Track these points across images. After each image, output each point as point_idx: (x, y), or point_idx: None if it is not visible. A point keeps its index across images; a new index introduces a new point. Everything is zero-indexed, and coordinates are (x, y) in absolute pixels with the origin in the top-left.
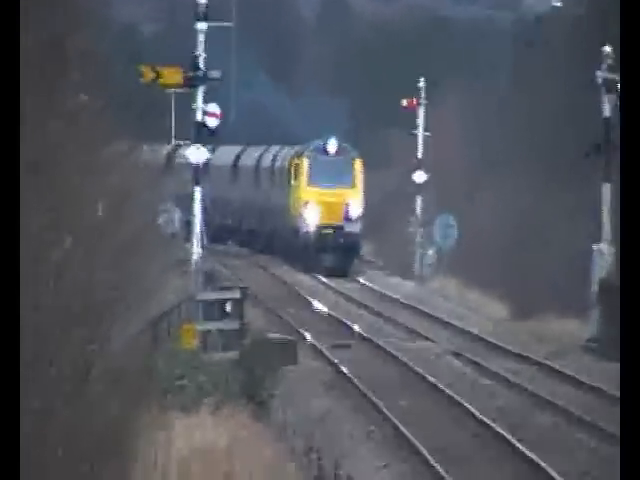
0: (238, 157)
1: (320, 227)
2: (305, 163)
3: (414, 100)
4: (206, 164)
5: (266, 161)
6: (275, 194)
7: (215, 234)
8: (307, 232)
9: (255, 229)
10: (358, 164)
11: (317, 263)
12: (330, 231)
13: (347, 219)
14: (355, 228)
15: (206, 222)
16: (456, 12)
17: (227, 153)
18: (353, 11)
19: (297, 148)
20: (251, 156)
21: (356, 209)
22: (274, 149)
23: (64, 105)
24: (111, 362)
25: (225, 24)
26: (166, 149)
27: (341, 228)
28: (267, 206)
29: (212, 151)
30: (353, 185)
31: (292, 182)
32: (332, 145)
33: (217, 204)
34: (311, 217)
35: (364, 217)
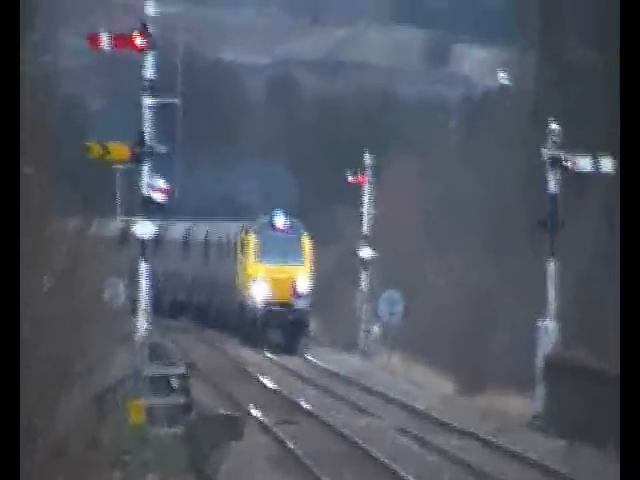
0: (188, 232)
1: (268, 304)
2: (253, 239)
3: (360, 176)
4: (156, 239)
5: (215, 236)
6: (223, 270)
7: (166, 309)
8: (255, 308)
9: (205, 304)
10: (306, 240)
11: (265, 340)
12: (278, 308)
13: (296, 296)
14: (304, 305)
15: (157, 297)
16: (404, 89)
17: (179, 229)
18: (301, 88)
19: (245, 223)
20: (200, 231)
21: (305, 286)
22: (223, 225)
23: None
24: (56, 436)
25: (171, 100)
26: (114, 224)
27: (289, 305)
28: (216, 281)
29: (164, 227)
30: (302, 261)
31: (240, 258)
32: (280, 220)
33: (169, 279)
34: (259, 293)
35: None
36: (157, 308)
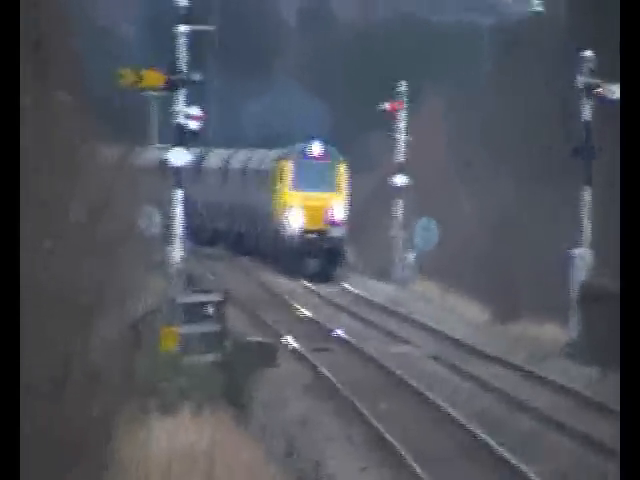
0: (227, 160)
1: (304, 231)
2: (289, 167)
3: (395, 104)
4: (195, 166)
5: (252, 164)
6: (260, 198)
7: (202, 236)
8: (291, 236)
9: (242, 232)
10: (342, 168)
11: (301, 268)
12: (314, 236)
13: (331, 223)
14: (339, 233)
15: (193, 225)
16: (437, 17)
17: (217, 156)
18: (335, 17)
19: (282, 151)
20: (239, 159)
21: (340, 213)
22: (260, 152)
23: (44, 104)
24: (91, 364)
25: (206, 27)
26: (150, 152)
27: (325, 233)
28: (253, 209)
29: (201, 155)
30: (337, 189)
31: (276, 186)
32: (316, 148)
33: (206, 207)
34: (295, 221)
35: (347, 221)
36: (194, 235)
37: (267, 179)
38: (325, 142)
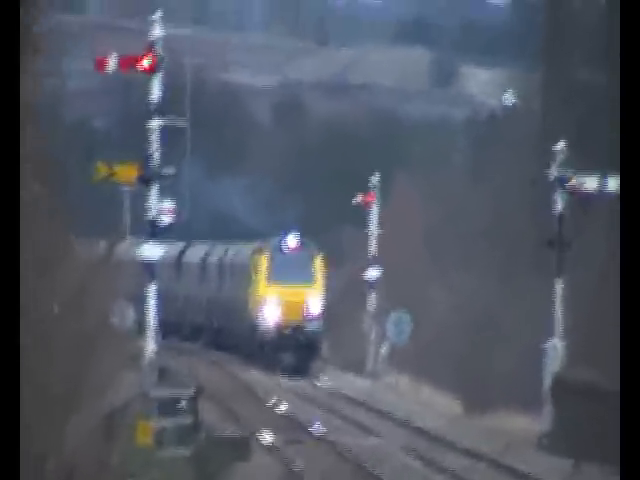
0: (206, 255)
1: (280, 325)
2: (265, 259)
3: (367, 196)
4: (176, 261)
5: (228, 258)
6: (236, 291)
7: (177, 331)
8: (267, 330)
9: (220, 327)
10: (318, 260)
11: (277, 362)
12: (290, 330)
13: (307, 317)
14: (315, 326)
15: (171, 319)
16: (411, 110)
17: (197, 251)
18: (308, 109)
19: (258, 244)
20: (216, 254)
21: (317, 307)
22: (237, 246)
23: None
24: (65, 457)
25: (179, 122)
26: (123, 246)
27: (301, 326)
28: (230, 303)
29: (183, 250)
30: (314, 282)
31: (252, 279)
32: (292, 241)
33: (186, 302)
34: (271, 315)
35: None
36: (172, 330)
37: (243, 273)
38: (300, 235)
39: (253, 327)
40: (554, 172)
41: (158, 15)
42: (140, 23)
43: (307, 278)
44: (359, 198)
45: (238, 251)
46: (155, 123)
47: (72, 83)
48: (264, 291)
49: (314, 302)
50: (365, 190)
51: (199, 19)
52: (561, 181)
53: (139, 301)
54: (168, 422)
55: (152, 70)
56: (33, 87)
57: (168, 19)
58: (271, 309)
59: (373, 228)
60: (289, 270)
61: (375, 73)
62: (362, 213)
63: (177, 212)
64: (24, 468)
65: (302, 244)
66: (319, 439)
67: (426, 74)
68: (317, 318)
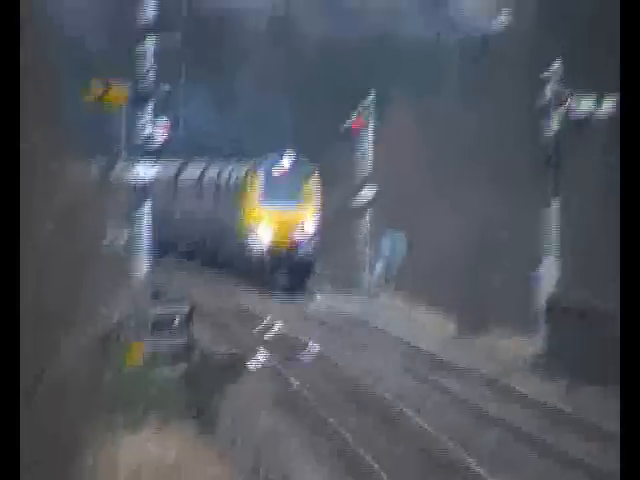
0: (202, 173)
1: (273, 246)
2: (257, 180)
3: (361, 117)
4: (173, 179)
5: (223, 177)
6: (230, 211)
7: (179, 249)
8: (260, 251)
9: (215, 246)
10: (314, 180)
11: (270, 282)
12: (283, 250)
13: (301, 237)
14: (309, 247)
15: (168, 237)
16: (404, 32)
17: (193, 169)
18: (299, 29)
19: (251, 163)
20: (212, 172)
21: (310, 227)
22: (232, 165)
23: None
24: (58, 377)
25: (173, 39)
26: (118, 165)
27: (294, 247)
28: (224, 223)
29: (179, 168)
30: (308, 202)
31: (245, 199)
32: (287, 160)
33: (183, 220)
34: (264, 236)
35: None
36: (168, 248)
37: (237, 193)
38: (296, 153)
39: (246, 247)
40: (549, 93)
41: None
42: None
43: (301, 198)
44: (352, 118)
45: (232, 170)
46: (148, 40)
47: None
48: (257, 212)
49: (308, 222)
50: (359, 110)
51: None
52: (556, 101)
53: (133, 221)
54: (161, 340)
55: None
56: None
57: None
58: (264, 230)
59: (367, 148)
60: (282, 191)
61: None
62: (356, 133)
63: (171, 130)
64: (21, 392)
65: (297, 163)
66: (314, 357)
67: None
68: (311, 238)
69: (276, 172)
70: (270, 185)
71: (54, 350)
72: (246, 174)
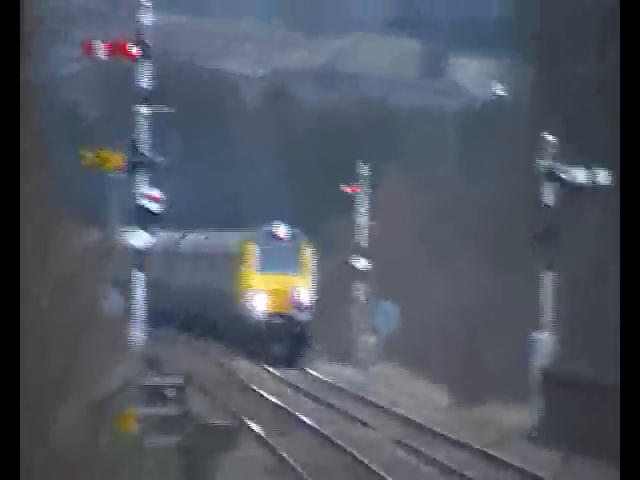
0: (197, 244)
1: (269, 315)
2: (252, 249)
3: (355, 186)
4: (170, 250)
5: (218, 247)
6: (226, 281)
7: (175, 320)
8: (255, 320)
9: (211, 316)
10: (308, 250)
11: (265, 352)
12: (279, 320)
13: (297, 307)
14: (305, 316)
15: (164, 308)
16: (401, 100)
17: (189, 240)
18: (297, 98)
19: (247, 233)
20: (207, 243)
21: (306, 297)
22: (227, 235)
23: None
24: (54, 446)
25: (166, 109)
26: (111, 233)
27: (290, 316)
28: (220, 293)
29: (177, 240)
30: (303, 272)
31: (241, 268)
32: (281, 230)
33: (180, 291)
34: (259, 305)
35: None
36: (165, 319)
37: (232, 262)
38: (290, 224)
39: (242, 317)
40: (544, 164)
41: (149, 2)
42: (130, 9)
43: (296, 268)
44: (347, 188)
45: (226, 240)
46: (143, 110)
47: (61, 69)
48: (253, 281)
49: (304, 292)
50: (354, 180)
51: (190, 7)
52: (550, 173)
53: (128, 289)
54: (156, 411)
55: (140, 57)
56: (31, 70)
57: (159, 6)
58: (260, 299)
59: (362, 218)
60: (278, 260)
61: (365, 63)
62: (351, 203)
63: (165, 200)
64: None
65: (291, 234)
66: (308, 429)
67: (417, 64)
68: (306, 308)
69: (271, 242)
70: (266, 255)
71: (51, 417)
72: (242, 244)
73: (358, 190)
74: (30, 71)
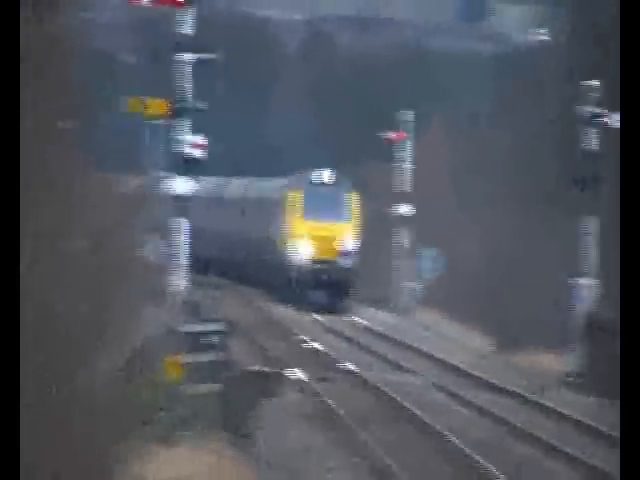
0: (244, 190)
1: (314, 262)
2: (298, 196)
3: (397, 133)
4: (215, 196)
5: (264, 193)
6: (271, 227)
7: (210, 266)
8: (300, 267)
9: (256, 262)
10: (353, 197)
11: (309, 299)
12: (324, 266)
13: (341, 254)
14: (349, 263)
15: (208, 254)
16: (439, 45)
17: (235, 186)
18: (337, 46)
19: (292, 179)
20: (253, 189)
21: (350, 243)
22: (272, 181)
23: (45, 132)
24: (95, 392)
25: (209, 56)
26: (154, 180)
27: (335, 263)
28: (265, 239)
29: (221, 185)
30: (348, 219)
31: (286, 215)
32: (326, 176)
33: (224, 237)
34: (304, 251)
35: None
36: (208, 265)
37: (278, 208)
38: (335, 169)
39: (287, 263)
40: (585, 109)
41: None
42: None
43: (341, 214)
44: (388, 134)
45: (271, 186)
46: (186, 56)
47: (103, 16)
48: (298, 228)
49: (348, 239)
50: (393, 126)
51: None
52: (592, 118)
53: (171, 236)
54: (197, 358)
55: (185, 3)
56: (62, 20)
57: None
58: (304, 245)
59: (404, 164)
60: (323, 206)
61: (403, 7)
62: (392, 149)
63: (209, 147)
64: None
65: (336, 180)
66: (350, 375)
67: (455, 8)
68: (351, 255)
69: (316, 188)
70: (311, 201)
71: (92, 364)
72: (287, 191)
73: (401, 137)
74: (73, 16)
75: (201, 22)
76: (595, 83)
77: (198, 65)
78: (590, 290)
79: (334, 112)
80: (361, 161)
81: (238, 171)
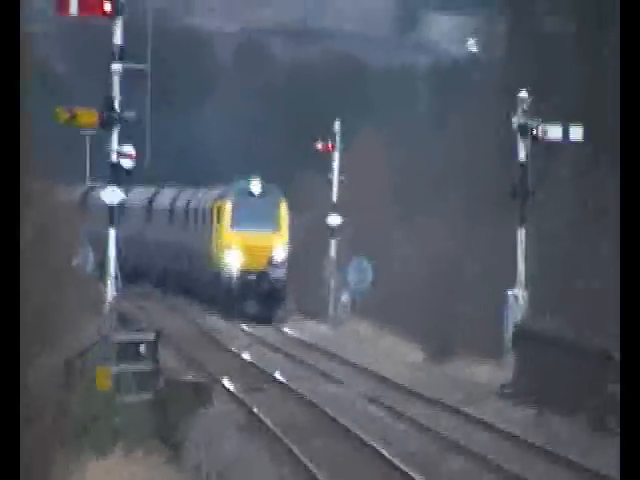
0: (174, 200)
1: (244, 272)
2: (228, 205)
3: (329, 143)
4: (147, 206)
5: (193, 203)
6: (200, 237)
7: (151, 275)
8: (230, 277)
9: (186, 272)
10: (284, 206)
11: (239, 310)
12: (254, 277)
13: (272, 264)
14: (280, 274)
15: (141, 263)
16: (373, 56)
17: (166, 196)
18: (269, 54)
19: (220, 189)
20: (183, 198)
21: (281, 254)
22: (202, 191)
23: None
24: (25, 402)
25: (140, 66)
26: (83, 190)
27: (265, 273)
28: (195, 249)
29: (153, 195)
30: (278, 228)
31: (215, 225)
32: (256, 186)
33: (156, 247)
34: (234, 262)
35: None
36: (141, 274)
37: (206, 218)
38: (265, 179)
39: (217, 274)
40: (518, 120)
41: None
42: None
43: (272, 224)
44: (319, 146)
45: (202, 197)
46: (116, 67)
47: (33, 26)
48: (227, 238)
49: (279, 249)
50: (327, 136)
51: None
52: (524, 130)
53: (101, 246)
54: (127, 367)
55: (113, 14)
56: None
57: None
58: (234, 256)
59: (335, 175)
60: (252, 216)
61: (337, 19)
62: (324, 159)
63: (138, 156)
64: None
65: (266, 190)
66: (281, 386)
67: (389, 20)
68: (282, 265)
69: (246, 198)
70: (240, 211)
71: (23, 373)
72: (216, 200)
73: (332, 147)
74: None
75: (131, 32)
76: (526, 95)
77: (127, 75)
78: (521, 300)
79: (267, 123)
80: (294, 171)
81: (169, 181)
